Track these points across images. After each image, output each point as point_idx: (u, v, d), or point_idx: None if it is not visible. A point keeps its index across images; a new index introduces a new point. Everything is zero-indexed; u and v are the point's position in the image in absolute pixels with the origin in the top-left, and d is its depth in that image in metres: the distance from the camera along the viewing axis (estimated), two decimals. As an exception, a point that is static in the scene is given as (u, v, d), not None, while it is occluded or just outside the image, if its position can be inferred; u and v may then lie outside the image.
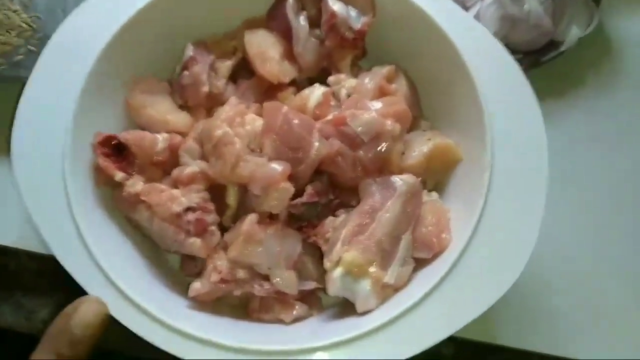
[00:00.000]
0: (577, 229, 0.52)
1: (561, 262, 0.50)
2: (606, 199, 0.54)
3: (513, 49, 0.56)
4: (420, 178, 0.38)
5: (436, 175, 0.40)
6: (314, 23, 0.44)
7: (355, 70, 0.44)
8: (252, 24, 0.45)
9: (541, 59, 0.56)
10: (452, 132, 0.41)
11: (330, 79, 0.42)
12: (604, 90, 0.58)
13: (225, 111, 0.38)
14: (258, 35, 0.43)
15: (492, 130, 0.36)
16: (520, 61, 0.54)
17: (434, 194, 0.39)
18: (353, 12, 0.42)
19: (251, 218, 0.35)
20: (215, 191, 0.38)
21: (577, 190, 0.54)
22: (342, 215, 0.36)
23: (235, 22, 0.46)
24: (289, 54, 0.43)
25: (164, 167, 0.39)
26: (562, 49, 0.56)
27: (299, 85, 0.44)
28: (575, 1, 0.55)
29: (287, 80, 0.42)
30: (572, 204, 0.53)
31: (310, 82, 0.43)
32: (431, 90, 0.43)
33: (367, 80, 0.41)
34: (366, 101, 0.38)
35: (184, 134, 0.40)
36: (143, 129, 0.41)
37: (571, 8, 0.55)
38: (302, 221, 0.37)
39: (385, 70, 0.41)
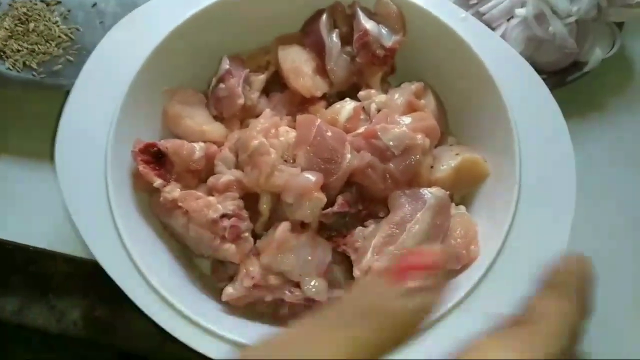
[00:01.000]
0: (598, 249, 0.52)
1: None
2: (628, 220, 0.54)
3: (538, 69, 0.56)
4: (449, 192, 0.39)
5: (464, 189, 0.41)
6: (345, 40, 0.45)
7: (385, 86, 0.45)
8: (285, 40, 0.46)
9: (565, 79, 0.57)
10: (480, 147, 0.41)
11: (361, 93, 0.43)
12: (626, 111, 0.59)
13: (260, 123, 0.39)
14: (292, 51, 0.44)
15: (521, 146, 0.37)
16: (545, 81, 0.56)
17: (462, 207, 0.40)
18: (384, 31, 0.43)
19: (284, 226, 0.36)
20: (249, 199, 0.39)
21: (599, 210, 0.54)
22: (371, 226, 0.37)
23: (269, 38, 0.48)
24: (321, 70, 0.44)
25: (200, 175, 0.40)
26: (586, 69, 0.56)
27: (329, 99, 0.45)
28: (598, 24, 0.56)
29: (319, 94, 0.43)
30: (594, 224, 0.53)
31: (341, 96, 0.44)
32: (458, 106, 0.44)
33: (396, 96, 0.42)
34: (396, 116, 0.39)
35: (219, 144, 0.42)
36: (180, 138, 0.42)
37: (595, 31, 0.56)
38: (332, 230, 0.38)
39: (414, 86, 0.42)
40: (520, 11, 0.54)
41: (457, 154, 0.40)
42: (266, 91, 0.47)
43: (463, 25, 0.42)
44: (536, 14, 0.54)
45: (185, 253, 0.42)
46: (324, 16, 0.45)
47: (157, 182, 0.38)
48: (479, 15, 0.57)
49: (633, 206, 0.54)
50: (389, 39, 0.43)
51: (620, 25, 0.57)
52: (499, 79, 0.39)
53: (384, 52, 0.43)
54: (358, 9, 0.44)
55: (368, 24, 0.43)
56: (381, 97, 0.42)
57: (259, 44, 0.48)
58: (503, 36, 0.56)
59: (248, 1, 0.45)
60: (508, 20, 0.56)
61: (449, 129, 0.45)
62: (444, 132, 0.44)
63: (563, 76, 0.57)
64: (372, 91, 0.43)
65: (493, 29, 0.56)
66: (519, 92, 0.39)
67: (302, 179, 0.36)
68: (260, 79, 0.45)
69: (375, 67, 0.43)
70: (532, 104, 0.39)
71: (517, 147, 0.37)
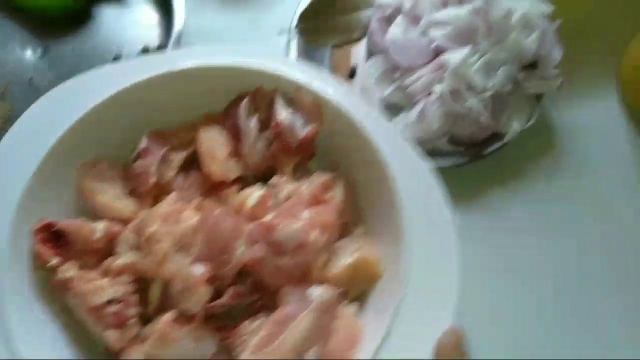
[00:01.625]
0: (520, 315, 0.54)
1: (506, 347, 0.51)
2: (549, 286, 0.55)
3: (458, 142, 0.58)
4: (342, 289, 0.39)
5: (359, 286, 0.41)
6: (265, 124, 0.45)
7: (300, 173, 0.45)
8: (211, 119, 0.47)
9: (484, 151, 0.58)
10: (378, 240, 0.42)
11: (272, 181, 0.43)
12: (546, 179, 0.60)
13: (162, 207, 0.39)
14: (211, 132, 0.45)
15: (408, 241, 0.38)
16: (464, 153, 0.58)
17: (353, 307, 0.40)
18: (299, 121, 0.44)
19: (168, 316, 0.36)
20: (145, 282, 0.39)
21: (521, 278, 0.55)
22: (259, 320, 0.37)
23: (198, 113, 0.47)
24: (237, 153, 0.44)
25: (101, 254, 0.41)
26: (504, 141, 0.58)
27: (246, 180, 0.45)
28: (516, 97, 0.58)
29: (229, 179, 0.43)
30: (516, 291, 0.54)
31: (260, 179, 0.45)
32: (365, 198, 0.44)
33: (305, 186, 0.42)
34: (298, 208, 0.40)
35: (129, 221, 0.42)
36: (94, 212, 0.43)
37: (512, 103, 0.58)
38: (224, 320, 0.38)
39: (323, 178, 0.43)
40: (437, 88, 0.56)
41: (355, 250, 0.41)
42: (193, 166, 0.46)
43: (372, 123, 0.43)
44: (452, 89, 0.56)
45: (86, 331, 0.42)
46: (245, 100, 0.45)
47: (53, 261, 0.38)
48: (403, 89, 0.59)
49: (552, 272, 0.56)
50: (302, 130, 0.44)
51: (539, 96, 0.59)
52: (397, 177, 0.40)
53: (297, 141, 0.44)
54: (277, 97, 0.45)
55: (283, 114, 0.44)
56: (290, 187, 0.42)
57: (187, 119, 0.47)
58: (422, 111, 0.57)
59: (176, 79, 0.45)
60: (428, 95, 0.58)
61: (361, 219, 0.45)
62: (352, 222, 0.44)
63: (482, 148, 0.58)
64: (283, 179, 0.43)
65: (414, 104, 0.58)
66: (414, 188, 0.40)
67: (190, 270, 0.36)
68: (179, 157, 0.45)
69: (289, 155, 0.44)
70: (423, 200, 0.40)
71: (403, 242, 0.38)
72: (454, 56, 0.55)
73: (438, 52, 0.58)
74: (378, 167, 0.40)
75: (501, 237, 0.57)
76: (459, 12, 0.56)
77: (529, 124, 0.58)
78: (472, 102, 0.55)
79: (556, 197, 0.59)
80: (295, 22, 0.62)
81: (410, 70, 0.59)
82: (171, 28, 0.62)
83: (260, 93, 0.46)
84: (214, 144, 0.44)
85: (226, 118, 0.46)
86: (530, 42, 0.56)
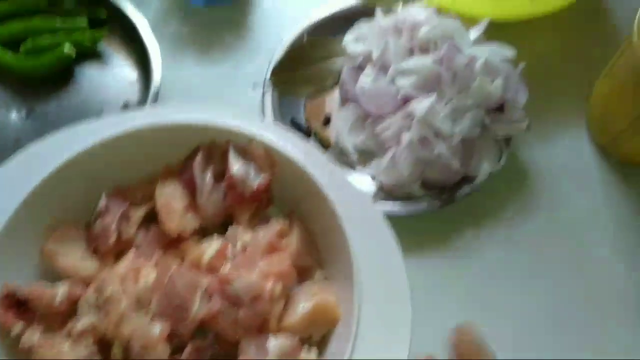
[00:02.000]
0: (499, 356, 0.53)
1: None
2: (526, 326, 0.55)
3: (430, 186, 0.59)
4: (301, 335, 0.39)
5: (319, 330, 0.41)
6: (221, 177, 0.46)
7: (262, 218, 0.46)
8: (169, 172, 0.48)
9: (456, 195, 0.59)
10: (336, 284, 0.42)
11: (228, 231, 0.44)
12: (518, 219, 0.60)
13: (121, 266, 0.40)
14: (167, 187, 0.46)
15: (360, 285, 0.39)
16: (436, 197, 0.59)
17: (314, 352, 0.40)
18: (252, 171, 0.45)
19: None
20: (109, 342, 0.40)
21: (497, 320, 0.55)
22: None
23: (158, 167, 0.49)
24: (194, 206, 0.45)
25: (65, 315, 0.41)
26: (475, 183, 0.59)
27: (205, 231, 0.46)
28: (484, 140, 0.59)
29: (186, 233, 0.44)
30: (492, 333, 0.53)
31: (218, 231, 0.46)
32: (323, 242, 0.45)
33: (261, 235, 0.43)
34: (254, 258, 0.41)
35: (92, 281, 0.43)
36: (57, 275, 0.44)
37: (481, 147, 0.59)
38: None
39: (278, 226, 0.44)
40: (406, 136, 0.57)
41: (314, 295, 0.41)
42: (154, 220, 0.47)
43: (325, 173, 0.44)
44: (421, 137, 0.57)
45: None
46: (200, 154, 0.47)
47: (17, 328, 0.39)
48: (375, 136, 0.60)
49: (528, 313, 0.55)
50: (255, 180, 0.45)
51: (508, 138, 0.60)
52: (348, 225, 0.41)
53: (250, 192, 0.45)
54: (230, 149, 0.46)
55: (235, 166, 0.45)
56: (246, 237, 0.43)
57: (147, 174, 0.49)
58: (393, 158, 0.58)
59: (133, 138, 0.46)
60: (398, 142, 0.59)
61: (321, 262, 0.45)
62: (312, 266, 0.45)
63: (453, 192, 0.59)
64: (240, 229, 0.44)
65: (385, 150, 0.59)
66: (365, 234, 0.41)
67: (148, 329, 0.37)
68: (138, 214, 0.46)
69: (243, 205, 0.45)
70: (375, 246, 0.41)
71: (356, 286, 0.39)
72: (421, 105, 0.56)
73: (406, 99, 0.59)
74: (330, 217, 0.41)
75: (476, 279, 0.57)
76: (424, 62, 0.58)
77: (499, 166, 0.59)
78: (441, 149, 0.56)
79: (529, 236, 0.60)
80: (268, 75, 0.64)
81: (380, 117, 0.60)
82: (150, 84, 0.64)
83: (214, 146, 0.47)
84: (170, 199, 0.45)
85: (182, 172, 0.47)
86: (494, 87, 0.57)
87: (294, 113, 0.64)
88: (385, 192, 0.59)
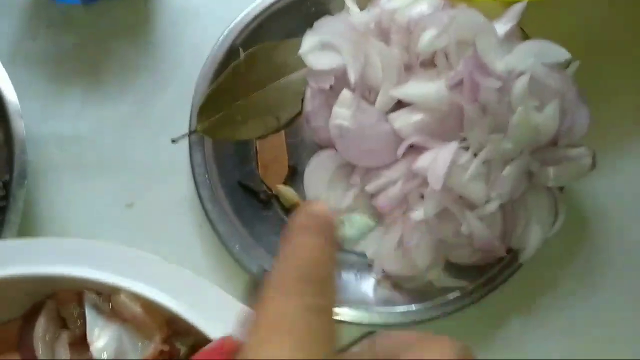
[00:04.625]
0: None
1: None
2: None
3: (458, 269, 0.41)
4: None
5: None
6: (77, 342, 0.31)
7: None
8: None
9: (496, 278, 0.41)
10: None
11: None
12: (582, 292, 0.44)
13: None
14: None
15: None
16: (467, 289, 0.40)
17: None
18: (128, 341, 0.29)
19: None
20: None
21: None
22: None
23: None
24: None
25: None
26: (520, 261, 0.41)
27: None
28: (533, 196, 0.40)
29: None
30: None
31: None
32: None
33: None
34: None
35: None
36: None
37: (527, 207, 0.40)
38: None
39: None
40: (417, 215, 0.38)
41: None
42: None
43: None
44: (440, 211, 0.38)
45: None
46: (41, 319, 0.30)
47: None
48: (366, 195, 0.41)
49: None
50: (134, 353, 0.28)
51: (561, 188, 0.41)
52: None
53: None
54: (87, 307, 0.30)
55: (99, 337, 0.29)
56: None
57: None
58: (401, 242, 0.39)
59: None
60: (403, 213, 0.40)
61: None
62: None
63: (492, 275, 0.41)
64: None
65: (388, 220, 0.40)
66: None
67: None
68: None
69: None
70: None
71: None
72: (436, 163, 0.37)
73: (411, 145, 0.39)
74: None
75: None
76: (433, 89, 0.37)
77: (556, 227, 0.40)
78: (472, 225, 0.37)
79: (598, 315, 0.42)
80: (194, 121, 0.42)
81: (372, 170, 0.40)
82: (12, 156, 0.42)
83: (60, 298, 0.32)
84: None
85: (20, 342, 0.32)
86: (546, 118, 0.37)
87: (241, 167, 0.44)
88: (393, 282, 0.41)
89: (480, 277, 0.40)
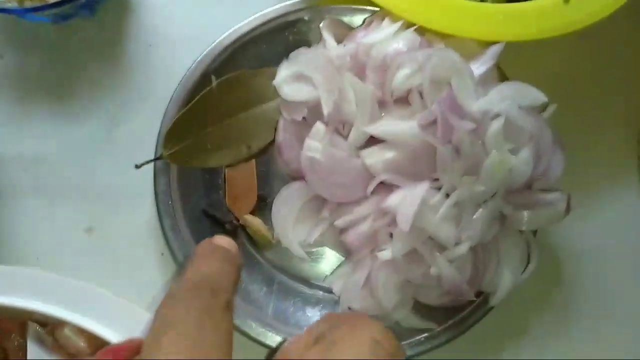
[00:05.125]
0: None
1: None
2: None
3: (427, 309, 0.40)
4: None
5: None
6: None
7: None
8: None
9: (467, 321, 0.40)
10: None
11: None
12: (554, 334, 0.43)
13: None
14: None
15: None
16: (438, 335, 0.39)
17: None
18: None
19: None
20: None
21: None
22: None
23: None
24: None
25: None
26: (491, 305, 0.40)
27: None
28: (504, 239, 0.39)
29: None
30: None
31: None
32: None
33: None
34: None
35: None
36: None
37: (499, 250, 0.39)
38: None
39: None
40: (384, 254, 0.37)
41: None
42: None
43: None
44: (408, 252, 0.37)
45: None
46: None
47: None
48: (335, 230, 0.40)
49: None
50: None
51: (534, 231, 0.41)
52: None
53: None
54: (28, 339, 0.30)
55: None
56: None
57: None
58: (368, 280, 0.38)
59: None
60: (372, 251, 0.39)
61: None
62: None
63: (461, 317, 0.40)
64: None
65: (356, 258, 0.39)
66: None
67: None
68: None
69: None
70: None
71: None
72: (405, 203, 0.36)
73: (381, 182, 0.38)
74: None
75: None
76: (406, 128, 0.36)
77: (528, 271, 0.39)
78: (441, 267, 0.36)
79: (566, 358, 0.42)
80: (160, 144, 0.41)
81: (343, 205, 0.39)
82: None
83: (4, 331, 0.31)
84: None
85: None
86: (520, 162, 0.37)
87: (207, 196, 0.43)
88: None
89: (449, 319, 0.39)
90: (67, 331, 0.30)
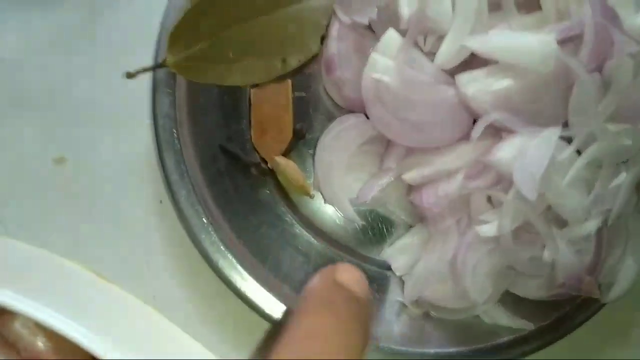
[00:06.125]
0: None
1: None
2: None
3: (519, 303, 0.30)
4: None
5: None
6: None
7: None
8: None
9: (574, 319, 0.30)
10: None
11: None
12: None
13: None
14: None
15: None
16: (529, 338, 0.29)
17: None
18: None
19: None
20: None
21: None
22: None
23: None
24: None
25: None
26: (607, 300, 0.30)
27: None
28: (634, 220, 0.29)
29: None
30: None
31: None
32: None
33: None
34: None
35: None
36: None
37: (624, 233, 0.29)
38: None
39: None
40: (486, 229, 0.26)
41: None
42: None
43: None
44: (517, 227, 0.26)
45: None
46: None
47: None
48: (403, 187, 0.29)
49: None
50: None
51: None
52: None
53: None
54: None
55: None
56: None
57: None
58: (454, 263, 0.28)
59: None
60: (459, 222, 0.28)
61: None
62: None
63: (564, 315, 0.30)
64: None
65: (434, 228, 0.29)
66: None
67: None
68: None
69: None
70: None
71: None
72: (527, 159, 0.25)
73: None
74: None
75: None
76: (527, 45, 0.25)
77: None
78: (560, 248, 0.26)
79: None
80: (163, 51, 0.29)
81: (418, 152, 0.29)
82: None
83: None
84: None
85: None
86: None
87: (226, 126, 0.32)
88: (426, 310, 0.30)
89: (546, 317, 0.30)
90: (17, 326, 0.20)
